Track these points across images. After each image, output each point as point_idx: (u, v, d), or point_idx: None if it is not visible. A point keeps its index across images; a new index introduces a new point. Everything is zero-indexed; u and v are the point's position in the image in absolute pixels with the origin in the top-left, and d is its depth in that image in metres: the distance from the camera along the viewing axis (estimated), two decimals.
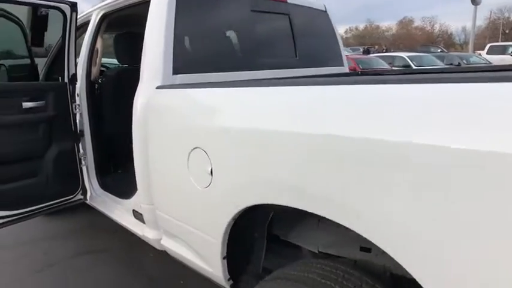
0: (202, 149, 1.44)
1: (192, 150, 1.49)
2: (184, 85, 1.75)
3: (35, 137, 2.27)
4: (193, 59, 1.94)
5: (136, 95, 1.85)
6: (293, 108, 1.19)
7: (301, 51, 2.50)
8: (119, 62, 2.68)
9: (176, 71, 1.84)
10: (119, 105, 2.73)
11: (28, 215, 2.30)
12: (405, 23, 50.77)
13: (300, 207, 1.11)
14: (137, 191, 2.15)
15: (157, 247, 2.03)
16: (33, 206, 2.31)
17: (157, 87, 1.75)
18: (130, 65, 2.70)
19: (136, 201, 2.14)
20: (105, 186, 2.69)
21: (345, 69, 2.86)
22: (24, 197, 2.24)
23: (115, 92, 2.68)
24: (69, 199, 2.54)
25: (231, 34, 2.19)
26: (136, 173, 1.93)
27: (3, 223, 2.19)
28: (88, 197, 2.68)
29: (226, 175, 1.36)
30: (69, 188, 2.52)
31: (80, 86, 2.54)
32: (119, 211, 2.42)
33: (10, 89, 2.18)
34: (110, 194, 2.57)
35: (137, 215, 2.16)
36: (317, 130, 1.05)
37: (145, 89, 1.82)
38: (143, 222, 2.08)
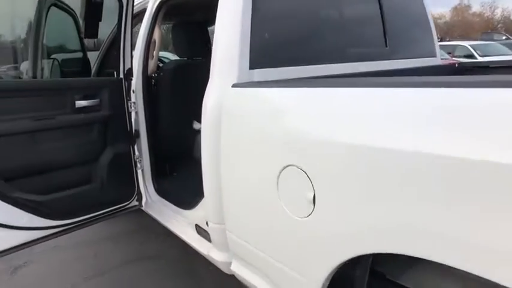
0: (300, 168, 1.10)
1: (284, 168, 1.16)
2: (269, 83, 1.42)
3: (89, 140, 2.05)
4: (273, 50, 1.60)
5: (207, 94, 1.54)
6: (427, 118, 0.83)
7: (391, 39, 2.08)
8: (177, 54, 2.41)
9: (254, 64, 1.51)
10: (177, 103, 2.47)
11: (81, 225, 2.09)
12: (460, 10, 47.41)
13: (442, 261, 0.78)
14: (200, 203, 1.87)
15: (225, 271, 1.74)
16: (87, 214, 2.09)
17: (233, 86, 1.43)
18: (190, 58, 2.41)
19: (200, 215, 1.86)
20: (161, 191, 2.45)
21: (438, 60, 2.40)
22: (78, 205, 2.03)
23: (173, 88, 2.41)
24: (124, 206, 2.32)
25: (315, 20, 1.82)
26: (204, 186, 1.64)
27: (55, 233, 2.00)
28: (143, 203, 2.45)
29: (338, 207, 1.01)
30: (124, 194, 2.29)
31: (136, 81, 2.30)
32: (178, 223, 2.16)
33: (62, 85, 1.96)
34: (167, 202, 2.32)
35: (201, 231, 1.88)
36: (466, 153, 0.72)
37: (217, 87, 1.51)
38: (208, 240, 1.80)
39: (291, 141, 1.15)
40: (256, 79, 1.51)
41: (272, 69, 1.56)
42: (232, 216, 1.50)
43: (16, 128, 1.75)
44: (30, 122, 1.80)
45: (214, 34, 1.57)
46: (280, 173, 1.17)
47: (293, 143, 1.14)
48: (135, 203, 2.39)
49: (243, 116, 1.37)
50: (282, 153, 1.17)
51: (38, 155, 1.84)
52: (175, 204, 2.23)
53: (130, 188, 2.32)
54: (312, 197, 1.06)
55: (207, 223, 1.74)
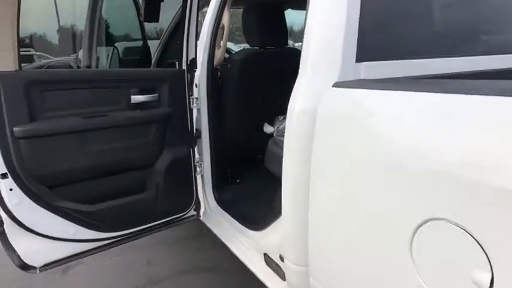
0: (460, 226, 0.67)
1: (426, 221, 0.74)
2: (393, 82, 0.99)
3: (145, 141, 1.76)
4: (386, 38, 1.16)
5: (295, 95, 1.16)
6: None
7: None
8: (248, 43, 2.04)
9: (361, 56, 1.09)
10: (246, 100, 2.12)
11: (131, 237, 1.83)
12: None
13: None
14: (272, 225, 1.51)
15: None
16: (138, 226, 1.83)
17: (335, 85, 1.02)
18: (263, 48, 2.04)
19: (271, 242, 1.50)
20: (222, 202, 2.12)
21: None
22: (129, 216, 1.77)
23: (242, 83, 2.06)
24: (180, 217, 2.03)
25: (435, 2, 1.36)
26: (283, 211, 1.27)
27: (103, 246, 1.75)
28: (201, 213, 2.15)
29: None
30: (181, 203, 2.00)
31: (200, 74, 1.97)
32: (242, 244, 1.81)
33: (117, 77, 1.69)
34: (228, 215, 1.99)
35: (271, 264, 1.51)
36: None
37: (310, 86, 1.11)
38: (281, 278, 1.43)
39: (440, 178, 0.72)
40: (363, 76, 1.09)
41: (384, 62, 1.13)
42: (324, 263, 1.11)
43: (63, 126, 1.50)
44: (79, 119, 1.54)
45: (307, 17, 1.17)
46: (418, 228, 0.75)
47: (445, 182, 0.71)
48: (192, 212, 2.10)
49: (353, 129, 0.96)
50: (423, 195, 0.75)
51: (86, 159, 1.59)
52: (238, 220, 1.89)
53: (188, 196, 2.03)
54: (489, 281, 0.63)
55: (281, 257, 1.37)
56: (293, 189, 1.19)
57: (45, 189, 1.50)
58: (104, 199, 1.67)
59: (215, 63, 1.99)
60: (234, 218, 1.96)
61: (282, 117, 1.87)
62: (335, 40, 1.07)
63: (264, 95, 2.16)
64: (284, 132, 1.82)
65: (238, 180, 2.35)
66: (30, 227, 1.52)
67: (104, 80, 1.61)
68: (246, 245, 1.76)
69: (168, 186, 1.88)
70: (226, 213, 2.03)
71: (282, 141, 1.77)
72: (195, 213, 2.12)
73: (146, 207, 1.81)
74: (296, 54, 2.39)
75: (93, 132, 1.58)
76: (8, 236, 1.52)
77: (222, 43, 1.97)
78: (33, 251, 1.57)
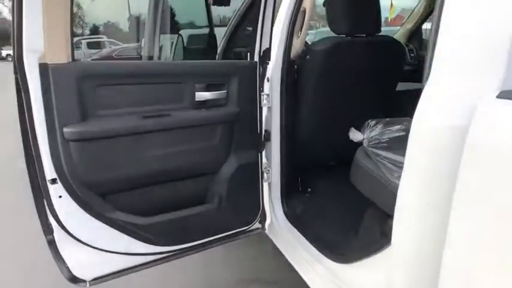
0: None
1: None
2: None
3: (210, 145, 1.52)
4: None
5: (427, 103, 0.81)
6: None
7: None
8: (333, 29, 1.70)
9: None
10: (328, 99, 1.80)
11: (189, 251, 1.62)
12: None
13: None
14: (368, 261, 1.19)
15: None
16: (197, 240, 1.61)
17: (502, 96, 0.66)
18: (350, 36, 1.69)
19: (368, 283, 1.18)
20: (292, 215, 1.83)
21: None
22: (188, 230, 1.55)
23: (324, 77, 1.73)
24: (244, 230, 1.78)
25: None
26: (398, 252, 0.95)
27: (158, 259, 1.56)
28: (267, 226, 1.89)
29: None
30: (245, 215, 1.75)
31: (274, 67, 1.68)
32: (315, 273, 1.52)
33: (181, 70, 1.44)
34: (299, 234, 1.70)
35: None
36: None
37: (457, 93, 0.76)
38: None
39: None
40: None
41: None
42: None
43: (118, 127, 1.30)
44: (137, 119, 1.33)
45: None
46: None
47: None
48: (257, 225, 1.84)
49: None
50: None
51: (143, 165, 1.38)
52: (312, 243, 1.59)
53: (254, 207, 1.77)
54: None
55: None
56: (420, 222, 0.86)
57: (96, 198, 1.32)
58: (160, 211, 1.46)
59: (292, 54, 1.67)
60: (306, 237, 1.66)
61: (374, 122, 1.52)
62: (499, 32, 0.70)
63: (350, 94, 1.81)
64: (377, 142, 1.48)
65: (309, 189, 2.04)
66: (80, 237, 1.36)
67: (166, 74, 1.38)
68: (322, 276, 1.46)
69: (233, 196, 1.63)
70: (296, 230, 1.74)
71: (376, 154, 1.43)
72: (260, 226, 1.86)
73: (207, 221, 1.58)
74: (394, 44, 2.01)
75: (152, 135, 1.36)
76: (57, 245, 1.37)
77: (302, 31, 1.65)
78: (83, 263, 1.41)
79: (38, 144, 1.21)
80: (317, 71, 1.70)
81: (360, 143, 1.56)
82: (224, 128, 1.53)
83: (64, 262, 1.39)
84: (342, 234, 1.55)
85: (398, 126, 1.45)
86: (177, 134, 1.41)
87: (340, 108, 1.83)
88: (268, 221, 1.87)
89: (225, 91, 1.51)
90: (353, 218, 1.57)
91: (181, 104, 1.42)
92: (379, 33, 1.73)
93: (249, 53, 1.59)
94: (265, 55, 1.63)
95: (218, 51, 2.47)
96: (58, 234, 1.35)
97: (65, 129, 1.20)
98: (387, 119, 1.57)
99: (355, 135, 1.57)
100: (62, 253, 1.38)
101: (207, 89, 1.46)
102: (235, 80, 1.53)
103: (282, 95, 1.69)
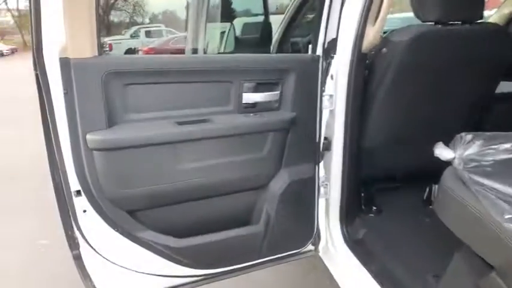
0: None
1: None
2: None
3: (258, 157, 1.27)
4: None
5: None
6: None
7: None
8: (418, 16, 1.34)
9: None
10: (408, 101, 1.46)
11: (229, 274, 1.40)
12: None
13: None
14: None
15: None
16: (240, 264, 1.38)
17: None
18: (442, 23, 1.33)
19: None
20: (351, 238, 1.54)
21: None
22: (229, 253, 1.33)
23: (405, 76, 1.39)
24: (294, 253, 1.52)
25: None
26: None
27: (195, 282, 1.35)
28: (321, 249, 1.61)
29: None
30: (297, 237, 1.49)
31: (340, 62, 1.37)
32: None
33: (226, 66, 1.19)
34: (359, 262, 1.41)
35: None
36: None
37: None
38: None
39: None
40: None
41: None
42: None
43: (150, 135, 1.09)
44: (172, 126, 1.11)
45: None
46: None
47: None
48: (310, 247, 1.57)
49: None
50: None
51: (177, 178, 1.17)
52: (377, 279, 1.30)
53: (307, 227, 1.50)
54: None
55: None
56: None
57: (124, 215, 1.14)
58: (197, 231, 1.24)
59: (364, 46, 1.35)
60: (368, 269, 1.37)
61: (470, 137, 1.16)
62: None
63: (436, 98, 1.46)
64: (477, 165, 1.13)
65: (374, 208, 1.72)
66: (106, 256, 1.19)
67: (208, 70, 1.14)
68: None
69: (283, 216, 1.38)
70: (355, 259, 1.45)
71: (475, 181, 1.08)
72: (313, 248, 1.59)
73: (252, 244, 1.34)
74: (501, 34, 1.55)
75: (189, 144, 1.14)
76: (84, 261, 1.21)
77: (379, 18, 1.32)
78: (109, 282, 1.25)
79: (61, 152, 1.04)
80: (395, 68, 1.36)
81: (448, 163, 1.22)
82: (276, 136, 1.26)
83: (91, 280, 1.24)
84: (417, 276, 1.23)
85: (507, 146, 1.09)
86: (219, 144, 1.18)
87: (421, 114, 1.48)
88: (323, 243, 1.60)
89: (279, 92, 1.25)
90: (435, 258, 1.25)
91: (225, 107, 1.18)
92: (481, 20, 1.35)
93: (310, 45, 1.31)
94: (331, 47, 1.33)
95: (273, 42, 2.19)
96: (84, 249, 1.20)
97: (88, 137, 1.02)
98: (488, 134, 1.20)
99: (442, 152, 1.22)
100: (88, 270, 1.23)
101: (256, 89, 1.21)
102: (291, 78, 1.25)
103: (348, 96, 1.39)
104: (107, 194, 1.09)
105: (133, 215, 1.16)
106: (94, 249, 1.17)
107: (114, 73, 1.01)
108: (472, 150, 1.16)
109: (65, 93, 0.99)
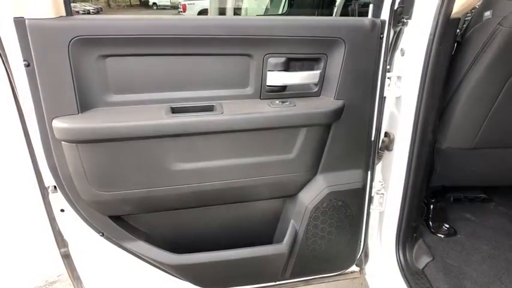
0: None
1: None
2: None
3: (283, 159, 0.95)
4: None
5: None
6: None
7: None
8: None
9: None
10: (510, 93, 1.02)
11: None
12: None
13: None
14: None
15: None
16: (259, 284, 1.11)
17: None
18: None
19: None
20: (408, 264, 1.18)
21: None
22: (244, 273, 1.06)
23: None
24: (333, 275, 1.21)
25: None
26: None
27: None
28: (367, 270, 1.28)
29: None
30: (337, 259, 1.17)
31: (415, 30, 0.96)
32: None
33: (240, 31, 0.83)
34: None
35: None
36: None
37: None
38: None
39: None
40: None
41: None
42: None
43: (135, 127, 0.82)
44: (165, 114, 0.83)
45: None
46: None
47: None
48: (354, 268, 1.25)
49: None
50: None
51: (170, 181, 0.90)
52: None
53: (351, 246, 1.17)
54: None
55: None
56: None
57: (106, 221, 0.92)
58: (200, 246, 0.99)
59: (456, 7, 0.91)
60: None
61: None
62: None
63: None
64: None
65: (445, 227, 1.32)
66: (93, 261, 1.00)
67: (218, 38, 0.82)
68: None
69: (316, 234, 1.06)
70: None
71: None
72: (357, 269, 1.26)
73: (273, 265, 1.06)
74: None
75: (188, 139, 0.86)
76: (73, 260, 1.04)
77: None
78: (99, 282, 1.07)
79: (30, 139, 0.83)
80: (502, 40, 0.91)
81: None
82: (312, 132, 0.92)
83: (81, 282, 1.07)
84: None
85: None
86: (229, 140, 0.88)
87: None
88: (370, 264, 1.26)
89: (320, 71, 0.89)
90: None
91: (240, 90, 0.87)
92: None
93: (371, 5, 0.92)
94: (403, 9, 0.93)
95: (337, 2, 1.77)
96: (73, 248, 1.02)
97: (55, 123, 0.78)
98: None
99: None
100: (78, 269, 1.06)
101: (287, 67, 0.87)
102: (339, 52, 0.89)
103: (424, 78, 0.98)
104: (82, 195, 0.87)
105: (119, 222, 0.93)
106: (80, 250, 0.99)
107: (84, 40, 0.75)
108: None
109: (25, 66, 0.76)
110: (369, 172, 1.09)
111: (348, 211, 1.08)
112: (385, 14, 0.92)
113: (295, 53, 0.86)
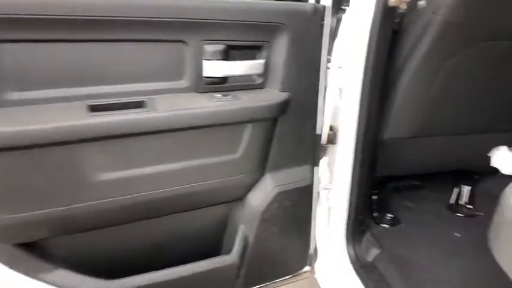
0: None
1: None
2: None
3: (226, 160, 0.85)
4: None
5: None
6: None
7: None
8: None
9: None
10: (449, 79, 1.04)
11: None
12: None
13: None
14: None
15: None
16: None
17: None
18: None
19: None
20: (360, 263, 1.15)
21: None
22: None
23: (452, 43, 0.95)
24: (284, 279, 1.15)
25: None
26: None
27: None
28: (317, 269, 1.24)
29: None
30: (287, 261, 1.11)
31: (353, 18, 0.93)
32: None
33: (171, 12, 0.71)
34: None
35: None
36: None
37: None
38: None
39: None
40: None
41: None
42: None
43: (39, 130, 0.66)
44: (81, 113, 0.69)
45: None
46: None
47: None
48: (305, 268, 1.20)
49: None
50: None
51: (96, 194, 0.76)
52: None
53: (301, 247, 1.12)
54: None
55: None
56: None
57: (10, 251, 0.74)
58: (137, 267, 0.85)
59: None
60: None
61: None
62: None
63: (490, 76, 1.03)
64: None
65: (389, 217, 1.33)
66: None
67: (144, 21, 0.69)
68: None
69: (267, 239, 0.98)
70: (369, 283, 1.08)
71: None
72: (308, 268, 1.22)
73: (225, 277, 0.96)
74: None
75: (112, 143, 0.72)
76: None
77: None
78: None
79: None
80: (437, 29, 0.92)
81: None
82: (257, 128, 0.85)
83: None
84: None
85: None
86: (163, 142, 0.76)
87: (464, 97, 1.06)
88: (321, 262, 1.22)
89: (264, 61, 0.82)
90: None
91: (173, 83, 0.76)
92: None
93: None
94: None
95: None
96: None
97: None
98: None
99: (502, 161, 0.80)
100: None
101: (227, 56, 0.78)
102: (282, 39, 0.82)
103: (367, 68, 0.95)
104: None
105: (30, 250, 0.76)
106: None
107: None
108: None
109: None
110: (315, 168, 1.05)
111: (298, 210, 1.02)
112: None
113: (235, 39, 0.78)
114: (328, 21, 0.89)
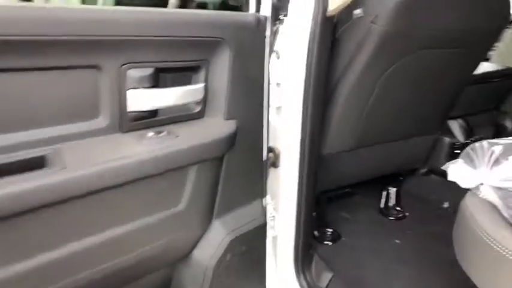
0: None
1: None
2: None
3: (167, 215, 0.67)
4: None
5: None
6: None
7: None
8: None
9: None
10: (390, 87, 1.01)
11: None
12: None
13: None
14: None
15: None
16: None
17: None
18: None
19: None
20: (312, 285, 1.07)
21: None
22: None
23: (390, 51, 0.91)
24: None
25: None
26: None
27: None
28: None
29: None
30: None
31: (291, 29, 0.82)
32: None
33: (79, 28, 0.51)
34: None
35: None
36: None
37: None
38: None
39: None
40: None
41: None
42: None
43: None
44: None
45: None
46: None
47: None
48: None
49: None
50: None
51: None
52: None
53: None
54: None
55: None
56: None
57: None
58: None
59: (331, 7, 0.82)
60: None
61: (498, 149, 0.75)
62: None
63: (422, 83, 1.03)
64: None
65: (329, 232, 1.28)
66: None
67: (44, 41, 0.47)
68: None
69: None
70: None
71: None
72: None
73: None
74: None
75: (6, 225, 0.48)
76: None
77: None
78: None
79: None
80: (375, 40, 0.87)
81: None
82: (202, 171, 0.68)
83: None
84: None
85: None
86: (82, 209, 0.55)
87: (398, 105, 1.05)
88: None
89: (203, 84, 0.65)
90: None
91: (87, 124, 0.55)
92: None
93: None
94: (281, 3, 0.78)
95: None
96: None
97: None
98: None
99: (460, 175, 0.79)
100: None
101: (157, 82, 0.60)
102: (223, 57, 0.67)
103: (308, 83, 0.86)
104: None
105: None
106: None
107: None
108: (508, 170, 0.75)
109: None
110: (263, 198, 0.92)
111: (254, 254, 0.88)
112: (264, 9, 0.75)
113: (166, 60, 0.60)
114: (268, 33, 0.77)
